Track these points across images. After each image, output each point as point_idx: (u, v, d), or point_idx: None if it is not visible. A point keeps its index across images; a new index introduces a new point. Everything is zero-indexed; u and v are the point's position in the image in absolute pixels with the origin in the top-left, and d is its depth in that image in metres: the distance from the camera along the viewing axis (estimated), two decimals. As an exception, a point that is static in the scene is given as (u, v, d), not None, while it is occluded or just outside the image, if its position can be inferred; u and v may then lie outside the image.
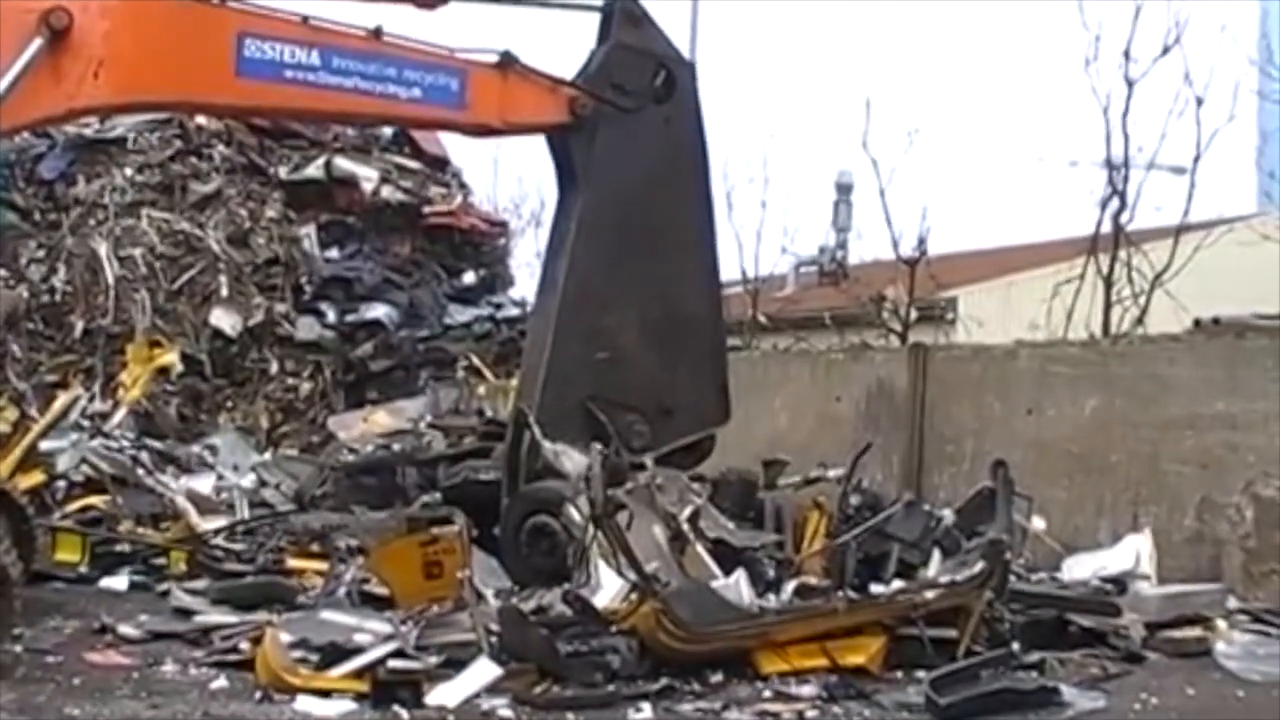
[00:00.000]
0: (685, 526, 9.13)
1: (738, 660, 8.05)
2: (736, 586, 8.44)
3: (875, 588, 8.62)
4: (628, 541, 8.05)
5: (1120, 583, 9.99)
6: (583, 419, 10.15)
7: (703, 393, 10.78)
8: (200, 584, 10.41)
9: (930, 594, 8.40)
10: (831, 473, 10.50)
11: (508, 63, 10.13)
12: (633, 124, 10.51)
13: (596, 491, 8.07)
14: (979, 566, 8.48)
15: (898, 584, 8.68)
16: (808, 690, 7.79)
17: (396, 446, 14.90)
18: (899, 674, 8.13)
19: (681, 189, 10.80)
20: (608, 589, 8.41)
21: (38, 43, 8.66)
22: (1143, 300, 16.73)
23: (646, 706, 7.47)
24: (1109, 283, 16.93)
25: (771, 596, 8.77)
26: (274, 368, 18.37)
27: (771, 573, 9.32)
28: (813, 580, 8.94)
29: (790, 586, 8.82)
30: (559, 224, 10.80)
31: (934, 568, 8.91)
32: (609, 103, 10.42)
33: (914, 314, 20.10)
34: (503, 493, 10.22)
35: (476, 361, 18.57)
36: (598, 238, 10.46)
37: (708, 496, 10.09)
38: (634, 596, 8.02)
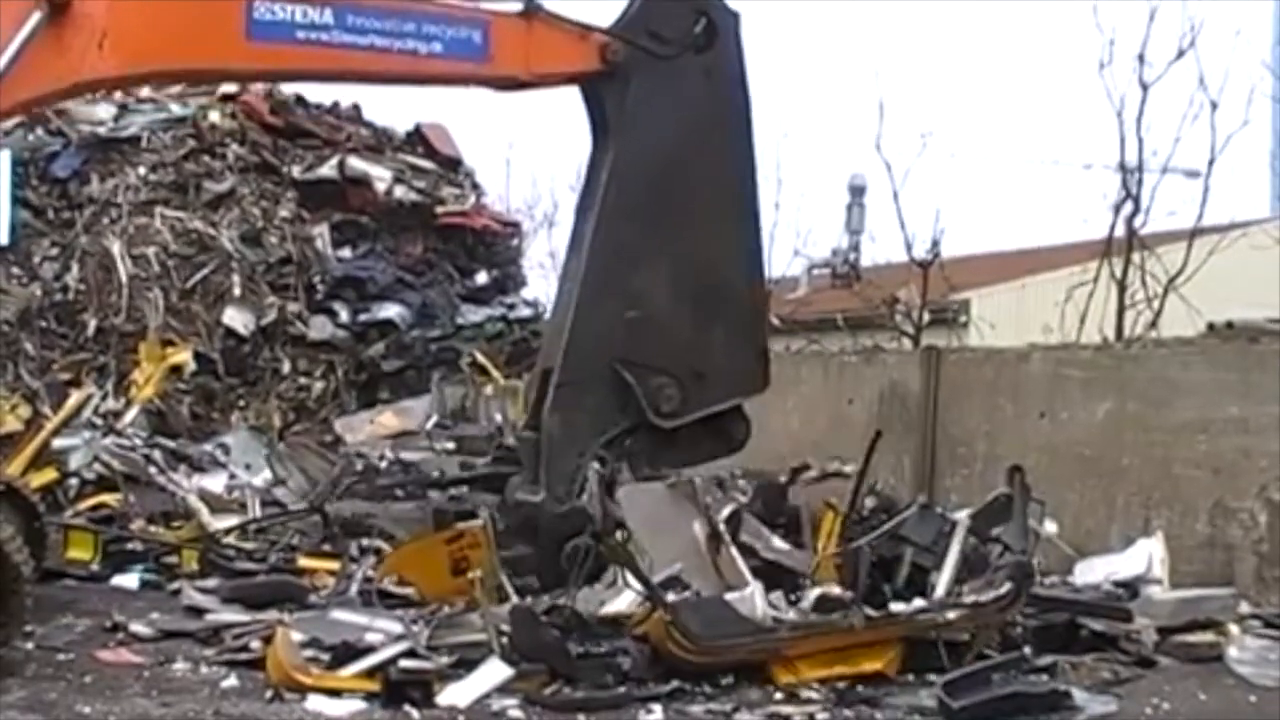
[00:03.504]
0: (722, 527, 8.97)
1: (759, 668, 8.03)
2: (750, 599, 8.31)
3: (896, 605, 8.50)
4: (633, 558, 8.01)
5: (1132, 587, 9.98)
6: (609, 381, 9.73)
7: (739, 358, 10.26)
8: (211, 583, 10.42)
9: (953, 614, 8.35)
10: (848, 468, 10.28)
11: (532, 11, 9.72)
12: (670, 74, 10.01)
13: (595, 508, 8.04)
14: (1005, 588, 8.44)
15: (919, 602, 8.59)
16: (818, 693, 7.79)
17: (406, 455, 14.90)
18: (910, 677, 8.12)
19: (722, 144, 10.25)
20: (629, 591, 8.37)
21: (37, 16, 8.45)
22: (1156, 304, 16.72)
23: (657, 708, 7.47)
24: (1122, 286, 16.92)
25: (789, 608, 8.62)
26: (286, 367, 18.38)
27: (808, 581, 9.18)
28: (835, 590, 8.81)
29: (811, 596, 8.69)
30: (590, 179, 10.29)
31: (946, 572, 8.87)
32: (643, 49, 9.91)
33: (927, 317, 20.10)
34: (525, 465, 10.02)
35: (481, 359, 18.55)
36: (629, 193, 9.97)
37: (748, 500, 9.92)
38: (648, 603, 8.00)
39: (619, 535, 8.23)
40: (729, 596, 8.40)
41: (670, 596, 8.05)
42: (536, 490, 9.87)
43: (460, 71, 10.16)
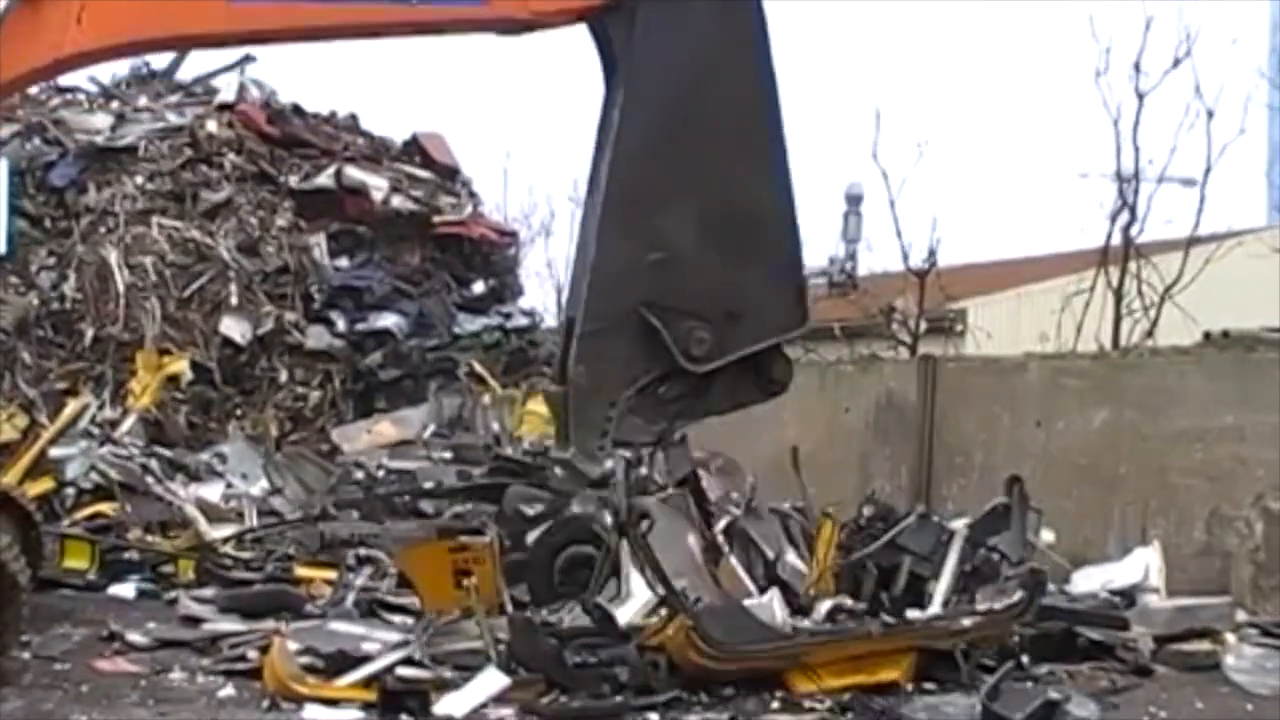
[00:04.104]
0: (720, 539, 8.91)
1: (768, 680, 8.03)
2: (770, 606, 8.32)
3: (912, 613, 8.51)
4: (655, 556, 7.97)
5: (1129, 595, 10.00)
6: (635, 326, 9.10)
7: (775, 295, 9.55)
8: (208, 592, 10.42)
9: (968, 622, 8.38)
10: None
11: None
12: (678, 0, 9.40)
13: (620, 500, 7.96)
14: (1018, 596, 8.47)
15: (935, 610, 8.61)
16: (817, 703, 7.80)
17: (403, 464, 14.90)
18: (908, 686, 8.12)
19: (739, 71, 9.56)
20: (638, 598, 8.35)
21: None
22: (1152, 313, 16.72)
23: (654, 717, 7.47)
24: (1119, 295, 16.91)
25: (803, 617, 8.61)
26: (283, 376, 18.36)
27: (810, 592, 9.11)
28: (847, 601, 8.81)
29: (824, 607, 8.66)
30: (603, 120, 9.66)
31: (944, 581, 8.88)
32: None
33: (923, 325, 20.07)
34: (555, 421, 9.71)
35: (479, 368, 18.56)
36: (645, 128, 9.38)
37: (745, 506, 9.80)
38: (664, 611, 7.99)
39: (642, 528, 8.07)
40: (748, 603, 8.38)
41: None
42: (566, 447, 9.47)
43: (456, 17, 9.63)
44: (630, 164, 9.30)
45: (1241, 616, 9.92)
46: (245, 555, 11.67)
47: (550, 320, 24.96)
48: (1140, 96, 17.15)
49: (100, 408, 15.31)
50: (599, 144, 9.58)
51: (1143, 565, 10.31)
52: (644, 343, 8.97)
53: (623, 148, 9.28)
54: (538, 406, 16.27)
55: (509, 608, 8.70)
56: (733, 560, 8.81)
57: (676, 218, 9.31)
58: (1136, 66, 17.15)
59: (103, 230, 18.32)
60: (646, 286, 9.15)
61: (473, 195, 21.43)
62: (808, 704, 7.78)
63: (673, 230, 9.29)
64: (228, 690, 7.86)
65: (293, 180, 19.46)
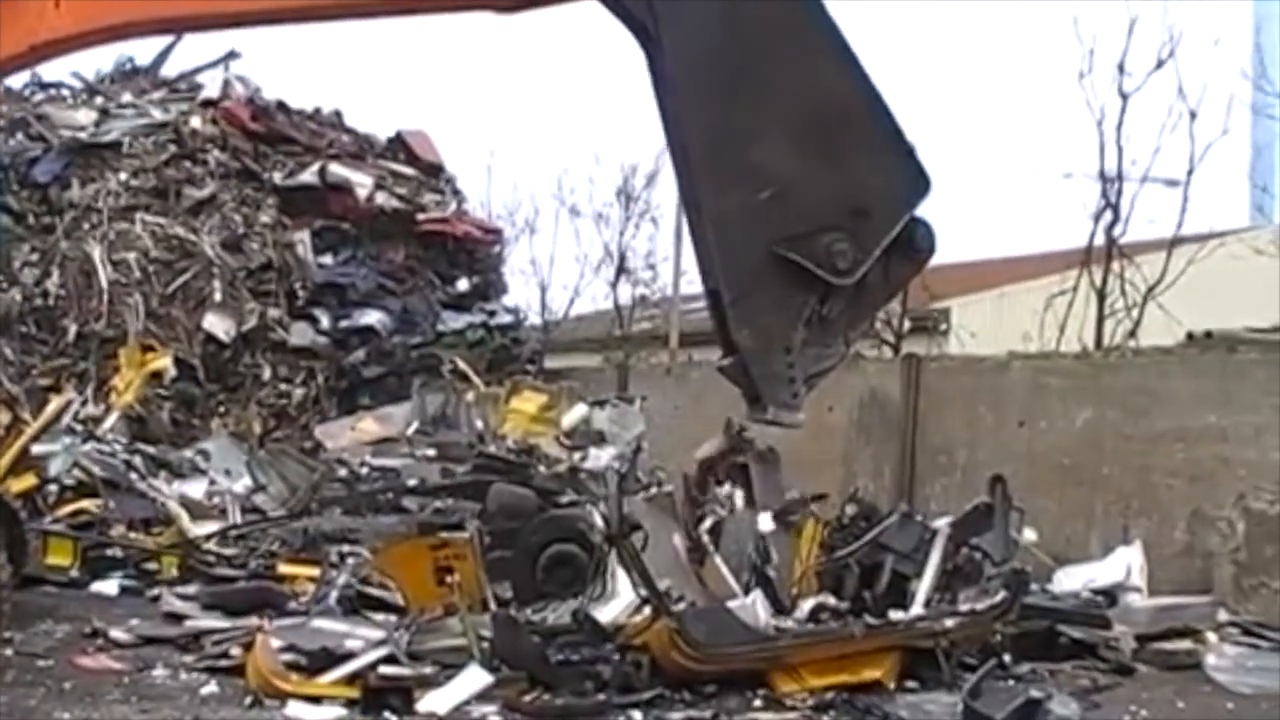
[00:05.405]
0: (705, 539, 8.91)
1: (750, 679, 8.04)
2: (753, 607, 8.33)
3: (895, 614, 8.52)
4: (643, 562, 7.99)
5: (1111, 595, 10.03)
6: (777, 269, 8.64)
7: (890, 172, 9.00)
8: (191, 589, 10.42)
9: (950, 621, 8.40)
10: None
11: None
12: None
13: (612, 512, 7.99)
14: (1000, 595, 8.49)
15: (917, 609, 8.62)
16: (798, 702, 7.81)
17: (387, 461, 14.89)
18: (890, 685, 8.14)
19: None
20: (623, 597, 8.35)
21: None
22: (1135, 313, 16.75)
23: (637, 715, 7.48)
24: (1102, 295, 16.94)
25: (786, 617, 8.61)
26: (267, 373, 18.34)
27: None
28: (831, 600, 8.81)
29: (806, 606, 8.66)
30: (656, 87, 9.10)
31: (926, 580, 8.89)
32: None
33: (907, 325, 20.08)
34: (740, 389, 9.55)
35: (462, 365, 18.54)
36: (699, 77, 8.86)
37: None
38: (648, 611, 8.00)
39: (633, 538, 8.11)
40: (731, 605, 8.39)
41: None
42: (760, 411, 8.94)
43: None
44: (701, 118, 8.87)
45: (1223, 616, 9.96)
46: (228, 552, 11.66)
47: (534, 318, 24.96)
48: (1124, 97, 17.18)
49: (83, 404, 15.27)
50: (662, 113, 9.10)
51: (1125, 565, 10.35)
52: (792, 279, 8.58)
53: (685, 103, 8.85)
54: (521, 404, 16.29)
55: (492, 605, 8.70)
56: (717, 560, 8.80)
57: (767, 147, 8.82)
58: (1120, 67, 17.19)
59: (86, 226, 18.29)
60: (770, 226, 8.70)
61: (457, 193, 21.42)
62: (790, 702, 7.80)
63: (769, 160, 8.81)
64: (211, 687, 7.86)
65: (277, 177, 19.43)
